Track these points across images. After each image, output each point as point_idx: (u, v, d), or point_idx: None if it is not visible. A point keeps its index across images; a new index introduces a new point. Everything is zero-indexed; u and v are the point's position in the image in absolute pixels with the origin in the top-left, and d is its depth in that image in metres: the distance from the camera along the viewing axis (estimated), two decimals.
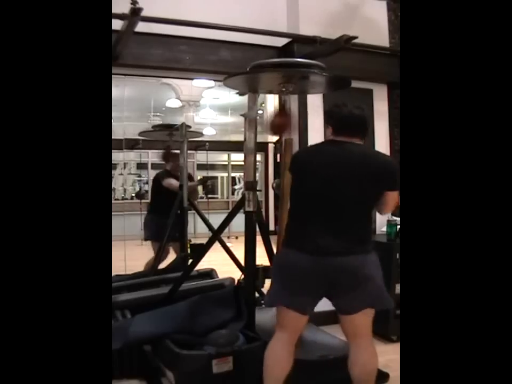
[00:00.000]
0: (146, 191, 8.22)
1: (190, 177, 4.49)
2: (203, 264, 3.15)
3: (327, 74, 2.14)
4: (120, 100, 5.19)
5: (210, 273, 3.56)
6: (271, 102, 8.12)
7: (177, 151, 4.09)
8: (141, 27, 2.69)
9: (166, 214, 3.76)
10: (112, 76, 1.97)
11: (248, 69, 2.20)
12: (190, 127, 4.14)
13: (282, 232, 3.43)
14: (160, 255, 3.77)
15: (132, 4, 2.39)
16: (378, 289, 1.90)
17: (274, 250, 2.77)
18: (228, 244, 3.50)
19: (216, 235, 2.94)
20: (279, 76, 2.17)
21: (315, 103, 3.37)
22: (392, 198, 1.93)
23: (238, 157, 8.99)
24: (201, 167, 9.25)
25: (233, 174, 10.40)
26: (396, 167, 1.88)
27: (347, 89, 2.36)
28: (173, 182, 4.07)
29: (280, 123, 2.31)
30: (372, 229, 2.03)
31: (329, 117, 2.04)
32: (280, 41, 3.41)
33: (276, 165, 8.33)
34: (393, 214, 3.49)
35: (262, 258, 2.62)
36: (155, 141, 5.25)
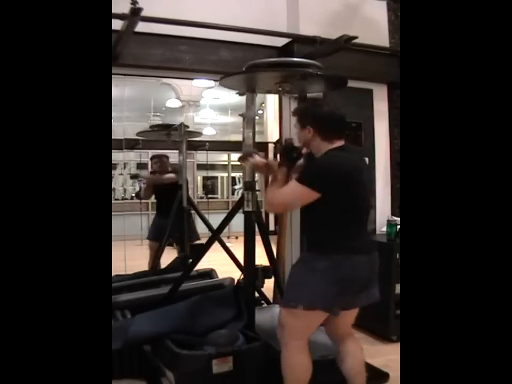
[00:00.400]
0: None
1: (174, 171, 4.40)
2: (203, 264, 3.15)
3: (322, 74, 2.14)
4: (120, 100, 5.19)
5: (210, 273, 3.56)
6: (271, 102, 8.15)
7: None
8: (141, 27, 2.69)
9: (165, 214, 3.79)
10: (112, 76, 1.98)
11: (244, 69, 2.20)
12: (188, 127, 4.14)
13: (282, 232, 3.44)
14: (160, 255, 3.78)
15: (131, 3, 2.39)
16: (377, 284, 2.00)
17: (274, 250, 2.78)
18: (228, 244, 3.50)
19: (215, 235, 2.94)
20: (275, 76, 2.16)
21: None
22: None
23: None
24: (201, 167, 9.25)
25: (233, 174, 10.39)
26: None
27: (347, 89, 2.36)
28: (171, 175, 4.11)
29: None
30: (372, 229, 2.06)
31: (314, 120, 1.92)
32: (280, 41, 3.41)
33: None
34: (393, 214, 3.50)
35: (261, 258, 2.62)
36: (155, 141, 5.26)
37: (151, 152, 7.99)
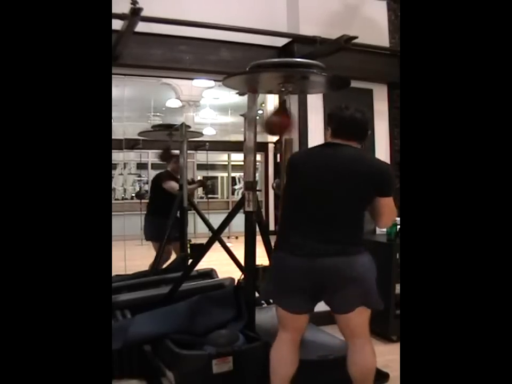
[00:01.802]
0: (146, 191, 8.21)
1: (192, 182, 4.49)
2: (203, 264, 3.15)
3: (326, 74, 2.14)
4: (120, 99, 5.19)
5: (210, 273, 3.57)
6: (271, 102, 8.15)
7: (177, 152, 4.09)
8: (141, 27, 2.69)
9: (166, 214, 3.77)
10: (112, 75, 1.97)
11: (247, 69, 2.20)
12: (189, 127, 4.14)
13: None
14: (160, 255, 3.78)
15: (131, 3, 2.39)
16: (368, 290, 1.90)
17: None
18: (228, 244, 3.50)
19: (216, 235, 2.94)
20: (278, 76, 2.16)
21: (315, 103, 3.37)
22: (386, 205, 1.91)
23: (238, 157, 8.98)
24: (201, 167, 9.25)
25: (233, 174, 10.40)
26: (389, 173, 1.91)
27: (347, 89, 2.36)
28: (174, 185, 4.07)
29: (278, 123, 2.28)
30: (365, 231, 2.00)
31: (330, 119, 2.04)
32: (280, 41, 3.41)
33: (276, 165, 8.33)
34: None
35: (262, 258, 2.62)
36: (155, 141, 5.26)
37: (151, 152, 8.00)
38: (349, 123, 1.95)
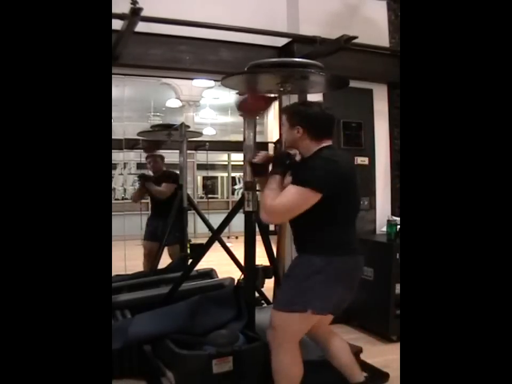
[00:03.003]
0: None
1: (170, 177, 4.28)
2: (203, 264, 3.15)
3: (324, 74, 2.14)
4: (120, 99, 5.19)
5: (210, 273, 3.56)
6: None
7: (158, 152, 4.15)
8: (141, 27, 2.69)
9: (159, 216, 3.78)
10: (112, 75, 1.97)
11: (246, 69, 2.20)
12: (189, 127, 4.14)
13: (282, 232, 3.44)
14: (160, 255, 3.78)
15: (131, 3, 2.39)
16: None
17: (274, 250, 2.78)
18: (228, 244, 3.50)
19: (216, 235, 2.94)
20: (277, 76, 2.16)
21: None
22: None
23: (238, 157, 8.98)
24: (201, 167, 9.26)
25: (233, 174, 10.41)
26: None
27: (347, 89, 2.36)
28: (156, 188, 4.04)
29: (251, 103, 2.23)
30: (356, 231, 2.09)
31: (303, 119, 1.91)
32: (280, 41, 3.41)
33: None
34: (393, 214, 3.50)
35: (262, 258, 2.62)
36: (155, 141, 5.25)
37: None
38: (327, 121, 1.95)
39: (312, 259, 1.86)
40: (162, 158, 4.29)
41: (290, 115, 1.95)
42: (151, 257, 3.97)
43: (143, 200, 6.12)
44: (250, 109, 2.25)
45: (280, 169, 1.96)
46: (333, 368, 2.17)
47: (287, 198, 1.79)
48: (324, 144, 1.91)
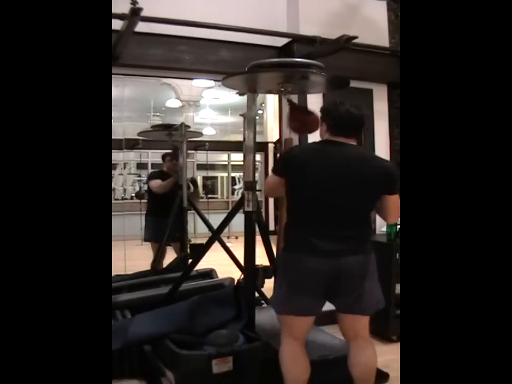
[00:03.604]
0: (146, 191, 8.20)
1: (194, 182, 4.45)
2: (203, 264, 3.15)
3: (325, 74, 2.14)
4: (120, 99, 5.19)
5: (210, 273, 3.56)
6: (270, 102, 8.16)
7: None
8: (141, 27, 2.69)
9: (162, 214, 3.77)
10: (112, 75, 1.97)
11: (246, 69, 2.20)
12: (189, 127, 4.14)
13: (282, 232, 3.43)
14: (160, 255, 3.78)
15: (131, 3, 2.39)
16: (375, 289, 1.95)
17: (274, 250, 2.78)
18: (228, 244, 3.50)
19: (216, 235, 2.94)
20: (277, 76, 2.16)
21: (315, 103, 3.36)
22: (392, 202, 1.92)
23: (238, 157, 8.98)
24: (201, 167, 9.26)
25: (233, 174, 10.40)
26: (394, 171, 1.90)
27: (347, 89, 2.36)
28: (154, 184, 4.08)
29: (307, 121, 2.22)
30: (371, 230, 2.03)
31: (326, 115, 2.01)
32: (280, 41, 3.41)
33: None
34: None
35: (262, 258, 2.62)
36: (155, 141, 5.26)
37: (151, 152, 8.01)
38: (347, 119, 1.94)
39: (282, 255, 2.01)
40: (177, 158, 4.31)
41: (320, 110, 2.09)
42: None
43: (143, 200, 6.11)
44: (306, 128, 2.32)
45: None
46: (333, 368, 2.17)
47: (266, 179, 2.17)
48: (335, 139, 1.95)
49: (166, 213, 3.74)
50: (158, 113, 8.65)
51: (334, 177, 1.88)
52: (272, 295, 2.05)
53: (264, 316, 2.66)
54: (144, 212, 4.51)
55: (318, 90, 2.81)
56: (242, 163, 2.55)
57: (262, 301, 3.11)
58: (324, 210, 1.89)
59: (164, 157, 4.30)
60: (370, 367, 1.98)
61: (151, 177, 4.31)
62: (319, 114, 2.07)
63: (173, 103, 8.32)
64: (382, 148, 3.72)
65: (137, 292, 3.04)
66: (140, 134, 4.35)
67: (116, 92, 4.64)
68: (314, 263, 1.83)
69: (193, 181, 4.51)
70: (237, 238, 6.31)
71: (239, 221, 2.64)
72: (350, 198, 1.89)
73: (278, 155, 2.12)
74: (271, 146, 8.89)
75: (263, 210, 7.87)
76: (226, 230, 3.05)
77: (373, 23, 3.64)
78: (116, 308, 2.73)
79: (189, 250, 3.79)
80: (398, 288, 3.01)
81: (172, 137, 3.94)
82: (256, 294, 2.72)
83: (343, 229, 1.88)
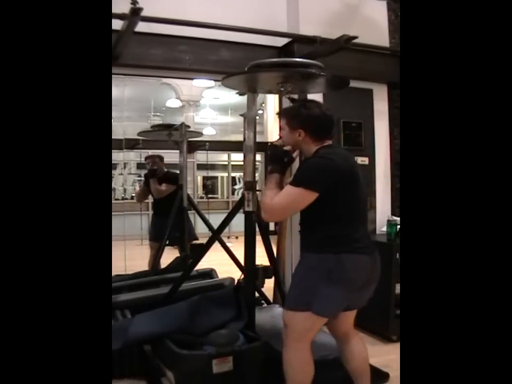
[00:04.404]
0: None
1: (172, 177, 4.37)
2: (203, 264, 3.15)
3: (325, 74, 2.14)
4: (120, 99, 5.19)
5: (210, 273, 3.57)
6: (271, 102, 8.15)
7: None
8: (141, 27, 2.69)
9: (166, 214, 3.78)
10: (112, 76, 1.97)
11: (246, 69, 2.20)
12: (189, 127, 4.15)
13: (282, 232, 3.44)
14: (160, 255, 3.78)
15: (132, 3, 2.39)
16: None
17: (274, 250, 2.78)
18: (228, 244, 3.50)
19: (216, 235, 2.94)
20: (277, 76, 2.17)
21: None
22: None
23: (238, 157, 8.98)
24: (201, 167, 9.25)
25: (233, 174, 10.40)
26: None
27: (347, 89, 2.36)
28: (156, 186, 4.13)
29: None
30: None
31: (299, 119, 1.91)
32: (280, 41, 3.41)
33: None
34: (393, 214, 3.50)
35: (261, 258, 2.62)
36: (155, 141, 5.25)
37: (151, 152, 8.00)
38: (330, 122, 1.96)
39: (308, 257, 1.91)
40: (161, 158, 4.34)
41: (291, 118, 1.94)
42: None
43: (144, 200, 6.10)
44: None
45: (279, 167, 1.97)
46: (333, 368, 2.17)
47: (284, 198, 1.83)
48: (324, 144, 1.91)
49: (167, 213, 3.75)
50: (158, 113, 8.64)
51: (358, 181, 1.92)
52: (308, 294, 1.85)
53: (264, 316, 2.66)
54: (144, 212, 4.52)
55: (318, 90, 2.81)
56: (242, 163, 2.54)
57: (262, 301, 3.11)
58: (358, 212, 1.95)
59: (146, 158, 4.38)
60: (366, 358, 2.06)
61: (153, 174, 4.31)
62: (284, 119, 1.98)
63: (173, 103, 8.31)
64: (382, 148, 3.72)
65: (137, 291, 3.04)
66: (139, 134, 4.36)
67: (115, 91, 4.64)
68: (365, 260, 1.87)
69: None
70: (237, 238, 6.32)
71: (239, 221, 2.64)
72: (365, 199, 2.05)
73: (269, 161, 2.04)
74: None
75: None
76: (226, 230, 3.04)
77: (373, 23, 3.64)
78: (116, 308, 2.73)
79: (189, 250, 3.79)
80: (398, 288, 3.01)
81: (172, 137, 3.94)
82: (256, 294, 2.72)
83: (366, 228, 2.01)
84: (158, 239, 3.97)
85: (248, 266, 2.47)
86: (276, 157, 2.00)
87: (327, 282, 1.80)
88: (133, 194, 8.31)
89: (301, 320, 1.87)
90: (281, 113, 2.05)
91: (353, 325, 2.07)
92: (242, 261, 2.59)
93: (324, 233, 1.87)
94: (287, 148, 1.99)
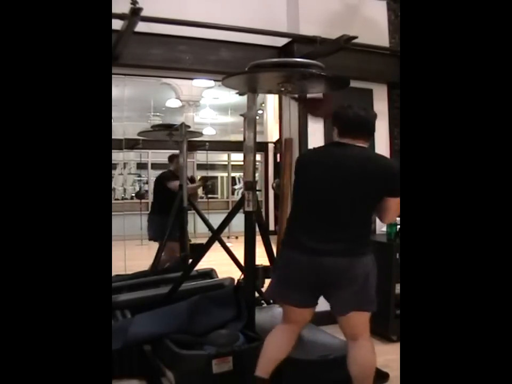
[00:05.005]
0: (146, 191, 8.22)
1: (192, 179, 4.52)
2: (203, 264, 3.15)
3: (325, 74, 2.14)
4: (120, 99, 5.19)
5: (210, 273, 3.57)
6: (271, 102, 8.16)
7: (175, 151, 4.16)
8: (141, 27, 2.69)
9: (168, 214, 3.78)
10: (112, 75, 1.97)
11: (246, 69, 2.20)
12: (189, 127, 4.15)
13: (282, 232, 3.44)
14: (160, 255, 3.78)
15: (132, 3, 2.39)
16: (365, 292, 1.91)
17: (274, 250, 2.78)
18: (228, 244, 3.51)
19: (216, 235, 2.94)
20: (277, 76, 2.17)
21: None
22: (393, 204, 1.91)
23: (238, 157, 8.98)
24: (201, 167, 9.26)
25: (233, 174, 10.40)
26: (397, 173, 1.80)
27: (347, 89, 2.36)
28: (177, 184, 4.09)
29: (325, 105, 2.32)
30: (371, 231, 2.04)
31: (335, 118, 2.05)
32: (280, 41, 3.41)
33: (276, 165, 8.32)
34: None
35: (262, 258, 2.62)
36: (155, 141, 5.26)
37: (151, 152, 8.01)
38: (354, 121, 1.99)
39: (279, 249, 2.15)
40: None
41: (332, 117, 2.10)
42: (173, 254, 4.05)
43: (143, 200, 6.11)
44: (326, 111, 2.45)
45: None
46: (333, 368, 2.17)
47: None
48: (343, 141, 1.99)
49: (168, 213, 3.76)
50: (158, 113, 8.64)
51: (328, 177, 1.92)
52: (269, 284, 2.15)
53: (264, 316, 2.66)
54: (144, 212, 4.53)
55: (318, 90, 2.81)
56: (242, 163, 2.55)
57: (262, 301, 3.11)
58: (317, 210, 1.93)
59: (171, 158, 4.35)
60: (368, 366, 1.98)
61: (167, 178, 4.33)
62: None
63: (173, 103, 8.32)
64: (382, 148, 3.71)
65: (137, 291, 3.04)
66: (139, 134, 4.36)
67: (115, 91, 4.64)
68: (299, 259, 1.91)
69: (192, 179, 4.56)
70: (237, 238, 6.31)
71: (239, 221, 2.64)
72: (344, 199, 1.90)
73: (279, 155, 2.14)
74: (271, 146, 8.89)
75: (263, 210, 7.87)
76: (226, 230, 3.04)
77: (373, 23, 3.64)
78: (116, 308, 2.73)
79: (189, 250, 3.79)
80: (398, 288, 3.01)
81: (172, 137, 3.94)
82: (256, 294, 2.72)
83: (334, 229, 1.90)
84: (159, 238, 3.97)
85: (248, 266, 2.47)
86: None
87: (272, 272, 2.13)
88: (133, 194, 8.32)
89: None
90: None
91: (359, 333, 1.96)
92: (242, 261, 2.59)
93: (289, 226, 2.06)
94: None
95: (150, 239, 4.40)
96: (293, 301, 1.99)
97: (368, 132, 2.04)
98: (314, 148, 2.12)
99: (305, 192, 2.00)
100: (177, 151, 4.11)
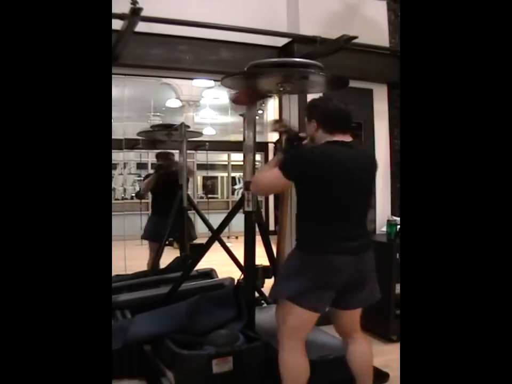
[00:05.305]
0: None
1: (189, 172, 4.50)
2: (203, 264, 3.15)
3: (324, 74, 2.14)
4: (120, 99, 5.19)
5: (210, 273, 3.56)
6: (270, 102, 8.15)
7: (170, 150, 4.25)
8: (141, 27, 2.69)
9: (164, 214, 3.78)
10: (112, 75, 1.97)
11: (245, 69, 2.20)
12: (189, 127, 4.15)
13: (282, 232, 3.44)
14: (160, 255, 3.78)
15: (132, 3, 2.39)
16: (375, 284, 2.01)
17: (274, 250, 2.78)
18: (228, 244, 3.50)
19: (216, 235, 2.94)
20: (277, 76, 2.17)
21: None
22: None
23: (238, 157, 8.97)
24: (201, 167, 9.25)
25: (233, 174, 10.39)
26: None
27: (347, 89, 2.36)
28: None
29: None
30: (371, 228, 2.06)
31: (314, 111, 1.98)
32: (280, 41, 3.41)
33: None
34: (393, 214, 3.50)
35: (261, 258, 2.62)
36: (155, 141, 5.25)
37: (151, 152, 8.00)
38: (337, 115, 1.94)
39: (293, 253, 1.98)
40: (173, 155, 4.37)
41: (308, 110, 2.05)
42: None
43: (143, 200, 6.10)
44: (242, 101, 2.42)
45: (288, 148, 2.13)
46: (333, 368, 2.17)
47: (267, 175, 2.02)
48: (335, 139, 1.92)
49: (167, 213, 3.75)
50: (158, 113, 8.64)
51: (348, 178, 1.89)
52: (279, 287, 1.99)
53: (264, 316, 2.66)
54: (144, 212, 4.53)
55: (317, 90, 2.81)
56: (242, 163, 2.54)
57: (262, 301, 3.11)
58: (343, 211, 1.91)
59: (159, 155, 4.43)
60: (371, 358, 2.06)
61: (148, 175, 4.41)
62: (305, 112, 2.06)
63: (173, 103, 8.31)
64: (382, 148, 3.72)
65: (137, 291, 3.04)
66: (139, 134, 4.36)
67: (116, 92, 4.64)
68: (343, 260, 1.85)
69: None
70: (237, 238, 6.31)
71: (239, 221, 2.63)
72: (360, 199, 1.97)
73: (283, 156, 2.07)
74: (271, 146, 8.88)
75: (263, 210, 7.87)
76: (226, 230, 3.04)
77: (373, 23, 3.64)
78: (116, 308, 2.73)
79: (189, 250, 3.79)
80: (398, 288, 3.01)
81: (172, 137, 3.94)
82: (256, 294, 2.72)
83: (357, 227, 1.95)
84: (157, 239, 3.96)
85: (248, 266, 2.47)
86: (289, 141, 2.16)
87: (304, 280, 1.86)
88: (133, 194, 8.31)
89: (289, 314, 1.91)
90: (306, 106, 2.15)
91: (358, 327, 2.04)
92: (242, 261, 2.59)
93: (305, 230, 1.96)
94: (302, 135, 2.12)
95: (144, 238, 4.39)
96: (323, 307, 1.91)
97: (351, 126, 2.00)
98: (314, 148, 1.97)
99: (329, 195, 1.88)
100: (173, 151, 4.14)
